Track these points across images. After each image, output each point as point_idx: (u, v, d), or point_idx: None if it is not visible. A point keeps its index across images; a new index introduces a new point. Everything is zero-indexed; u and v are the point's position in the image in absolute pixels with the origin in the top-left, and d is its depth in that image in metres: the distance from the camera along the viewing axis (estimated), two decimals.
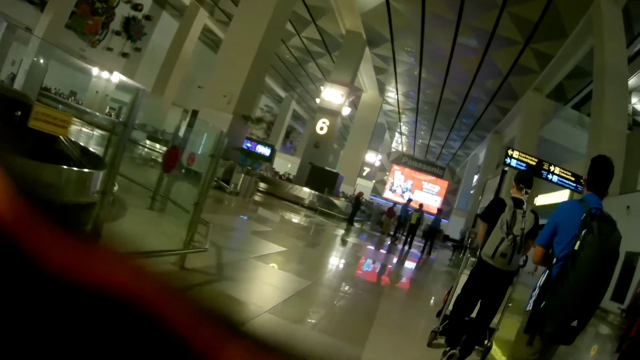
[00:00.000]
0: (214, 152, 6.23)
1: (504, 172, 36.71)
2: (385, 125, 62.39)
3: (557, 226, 3.65)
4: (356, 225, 27.60)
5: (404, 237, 23.59)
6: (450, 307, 5.84)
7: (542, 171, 21.27)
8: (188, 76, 45.08)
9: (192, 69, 45.72)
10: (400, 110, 53.72)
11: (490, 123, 45.40)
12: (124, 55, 40.33)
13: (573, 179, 21.38)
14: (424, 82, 41.61)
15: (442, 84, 39.96)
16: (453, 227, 45.88)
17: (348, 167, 47.13)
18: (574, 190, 21.40)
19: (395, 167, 60.33)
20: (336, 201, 30.64)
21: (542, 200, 29.47)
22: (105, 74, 37.55)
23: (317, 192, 29.77)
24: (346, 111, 39.54)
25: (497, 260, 4.91)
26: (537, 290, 3.63)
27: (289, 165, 52.80)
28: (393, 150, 66.40)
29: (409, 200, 23.86)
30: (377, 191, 58.17)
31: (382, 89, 48.26)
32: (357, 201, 27.38)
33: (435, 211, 24.22)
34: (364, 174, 62.11)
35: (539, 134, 34.61)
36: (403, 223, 23.83)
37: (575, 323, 3.40)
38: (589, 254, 3.29)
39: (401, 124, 60.34)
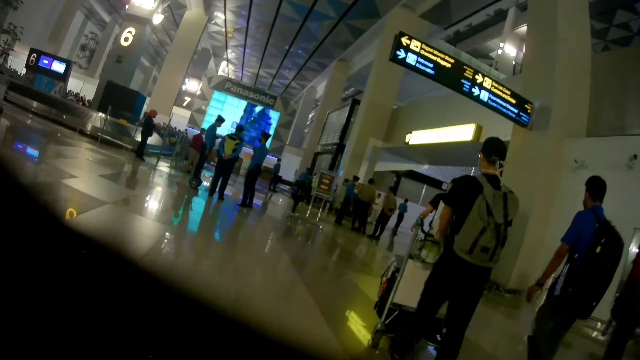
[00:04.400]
0: None
1: (354, 102, 29.26)
2: (210, 50, 52.90)
3: (580, 231, 4.55)
4: (148, 160, 17.62)
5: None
6: (394, 299, 4.69)
7: (464, 82, 11.84)
8: None
9: None
10: (229, 32, 44.17)
11: (336, 48, 37.41)
12: None
13: (514, 100, 12.64)
14: None
15: None
16: (286, 166, 37.12)
17: (164, 93, 39.07)
18: (514, 120, 12.88)
19: (217, 93, 48.97)
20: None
21: (417, 138, 21.33)
22: None
23: (103, 115, 20.10)
24: (158, 19, 30.45)
25: (476, 255, 3.72)
26: (562, 278, 4.57)
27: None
28: (217, 75, 55.20)
29: (219, 119, 13.69)
30: (195, 122, 47.35)
31: (208, 5, 39.31)
32: (147, 124, 17.26)
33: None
34: (185, 104, 52.38)
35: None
36: (208, 155, 14.05)
37: (594, 303, 4.50)
38: (608, 256, 4.43)
39: (229, 50, 50.82)
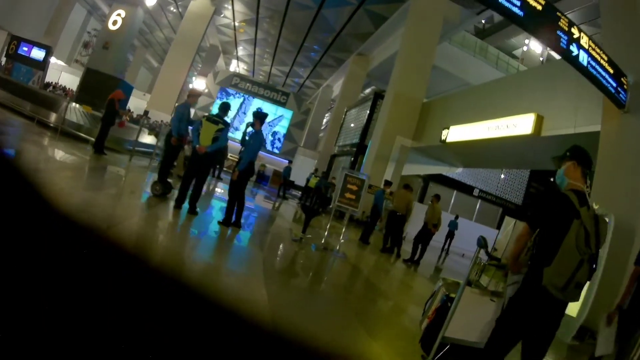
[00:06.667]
0: None
1: (377, 96, 25.54)
2: (219, 47, 48.58)
3: None
4: (115, 157, 13.73)
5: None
6: (448, 330, 3.89)
7: (560, 34, 7.79)
8: None
9: None
10: (240, 28, 40.22)
11: (354, 40, 33.42)
12: None
13: (612, 70, 8.81)
14: None
15: None
16: (299, 170, 32.80)
17: (165, 89, 35.53)
18: (612, 96, 9.01)
19: (223, 89, 44.60)
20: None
21: (456, 134, 17.37)
22: None
23: (74, 105, 16.04)
24: (151, 0, 26.00)
25: (570, 292, 3.12)
26: (629, 297, 4.79)
27: None
28: (224, 70, 51.05)
29: (192, 94, 9.99)
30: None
31: None
32: (109, 110, 12.96)
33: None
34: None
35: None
36: (175, 150, 9.30)
37: None
38: None
39: (239, 47, 46.72)
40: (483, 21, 32.14)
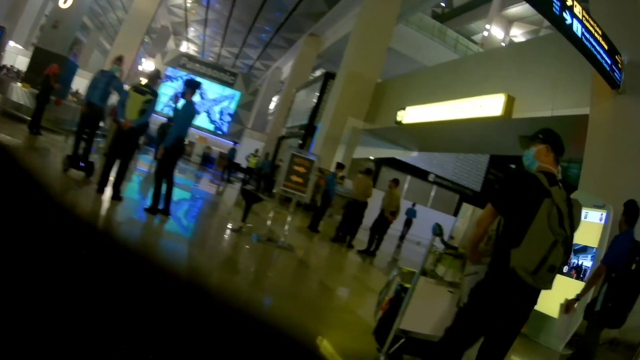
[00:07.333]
0: None
1: (328, 76, 24.28)
2: (169, 28, 46.73)
3: (618, 253, 4.88)
4: (51, 138, 12.86)
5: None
6: (403, 323, 3.70)
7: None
8: None
9: None
10: (192, 8, 38.92)
11: (307, 20, 32.22)
12: None
13: (606, 45, 7.94)
14: None
15: None
16: (245, 153, 31.05)
17: None
18: (608, 74, 8.11)
19: (170, 70, 42.37)
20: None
21: (414, 116, 16.45)
22: None
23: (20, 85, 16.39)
24: None
25: (542, 276, 2.78)
26: (601, 296, 4.84)
27: None
28: (172, 50, 49.05)
29: (119, 59, 9.09)
30: None
31: None
32: (44, 87, 11.81)
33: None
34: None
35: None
36: (88, 120, 8.48)
37: (627, 313, 4.84)
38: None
39: (191, 28, 45.45)
40: (443, 4, 31.60)
